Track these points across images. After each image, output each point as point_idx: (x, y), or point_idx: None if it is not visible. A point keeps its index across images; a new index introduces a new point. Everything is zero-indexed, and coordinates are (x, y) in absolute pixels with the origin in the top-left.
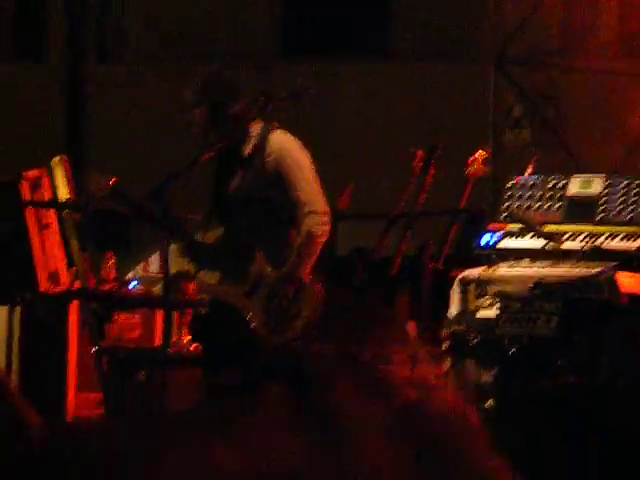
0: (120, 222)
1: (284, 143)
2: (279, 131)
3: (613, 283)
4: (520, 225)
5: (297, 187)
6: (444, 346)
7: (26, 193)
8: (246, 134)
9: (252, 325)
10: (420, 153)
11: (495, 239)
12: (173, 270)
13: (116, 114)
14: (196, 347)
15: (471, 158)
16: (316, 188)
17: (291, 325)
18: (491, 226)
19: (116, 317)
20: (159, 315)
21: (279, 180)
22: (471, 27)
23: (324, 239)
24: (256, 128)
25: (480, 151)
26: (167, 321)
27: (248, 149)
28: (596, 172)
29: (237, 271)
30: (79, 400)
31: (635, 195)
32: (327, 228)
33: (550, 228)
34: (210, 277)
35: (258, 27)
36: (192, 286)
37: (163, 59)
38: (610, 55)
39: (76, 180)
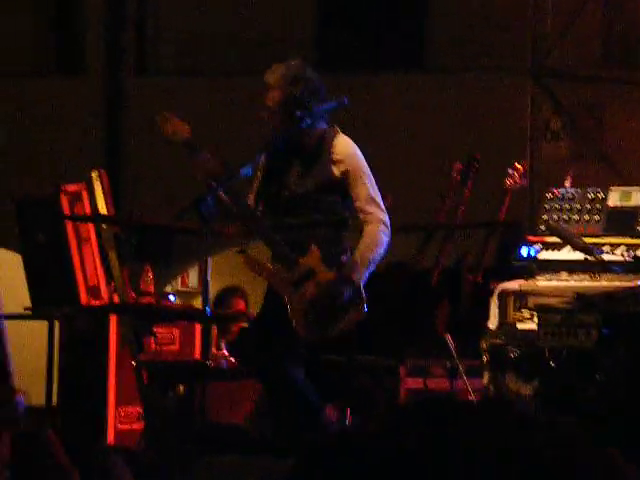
0: (160, 235)
1: (352, 148)
2: (343, 135)
3: None
4: (559, 237)
5: (363, 195)
6: (484, 359)
7: (65, 207)
8: (311, 132)
9: (291, 318)
10: (458, 165)
11: (534, 251)
12: (217, 284)
13: (154, 127)
14: (235, 361)
15: (510, 170)
16: (379, 199)
17: (331, 327)
18: (530, 238)
19: (155, 330)
20: (198, 329)
21: (343, 184)
22: (509, 38)
23: (384, 250)
24: (320, 128)
25: (517, 164)
26: (205, 334)
27: (310, 148)
28: (636, 184)
29: (289, 257)
30: (119, 414)
31: None
32: (388, 240)
33: (589, 240)
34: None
35: (296, 40)
36: (240, 301)
37: (201, 72)
38: None
39: (114, 194)
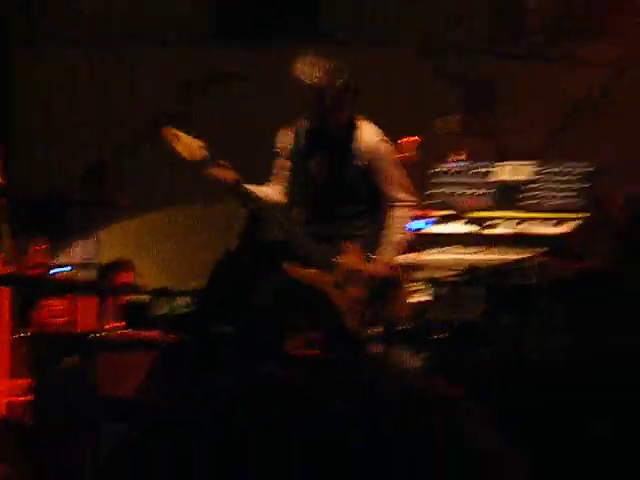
0: (54, 207)
1: (378, 135)
2: (367, 122)
3: (541, 268)
4: (447, 211)
5: (392, 180)
6: (374, 330)
7: None
8: (339, 120)
9: (342, 316)
10: None
11: (423, 225)
12: (107, 257)
13: (46, 98)
14: (124, 332)
15: (401, 144)
16: (406, 183)
17: (381, 321)
18: (419, 212)
19: (45, 302)
20: (88, 301)
21: (370, 171)
22: (405, 13)
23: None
24: (344, 115)
25: (409, 138)
26: (97, 306)
27: (339, 137)
28: (526, 159)
29: (328, 260)
30: (10, 386)
31: (562, 182)
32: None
33: (477, 214)
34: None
35: (191, 9)
36: (125, 275)
37: (94, 41)
38: (541, 40)
39: (6, 164)
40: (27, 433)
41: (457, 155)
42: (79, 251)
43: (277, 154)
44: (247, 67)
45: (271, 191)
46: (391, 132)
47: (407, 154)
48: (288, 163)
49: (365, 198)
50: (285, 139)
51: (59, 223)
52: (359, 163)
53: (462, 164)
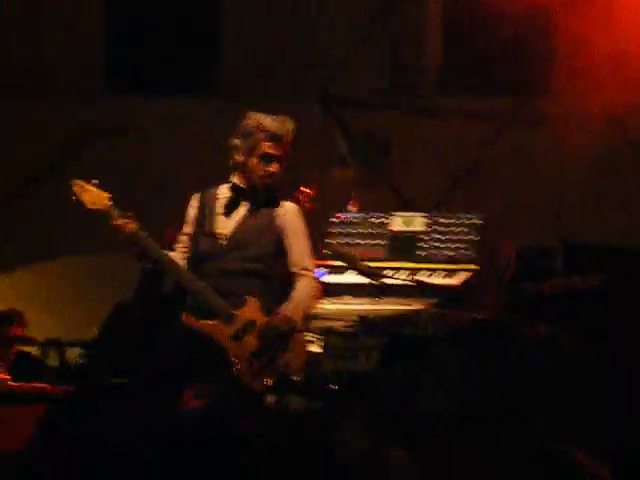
0: None
1: (295, 205)
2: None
3: (435, 319)
4: (343, 261)
5: (301, 250)
6: (268, 381)
7: None
8: (276, 177)
9: (236, 368)
10: None
11: (319, 275)
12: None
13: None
14: (18, 385)
15: (298, 195)
16: (311, 258)
17: (275, 372)
18: (315, 262)
19: None
20: None
21: (285, 234)
22: (299, 66)
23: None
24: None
25: (305, 188)
26: None
27: (261, 197)
28: (420, 208)
29: (226, 312)
30: None
31: (455, 233)
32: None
33: (372, 264)
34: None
35: (83, 60)
36: (17, 329)
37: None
38: (435, 93)
39: None
40: None
41: (353, 205)
42: None
43: (185, 222)
44: (138, 119)
45: (172, 254)
46: (288, 183)
47: (307, 205)
48: (192, 228)
49: (271, 257)
50: (193, 203)
51: None
52: (276, 224)
53: (358, 214)
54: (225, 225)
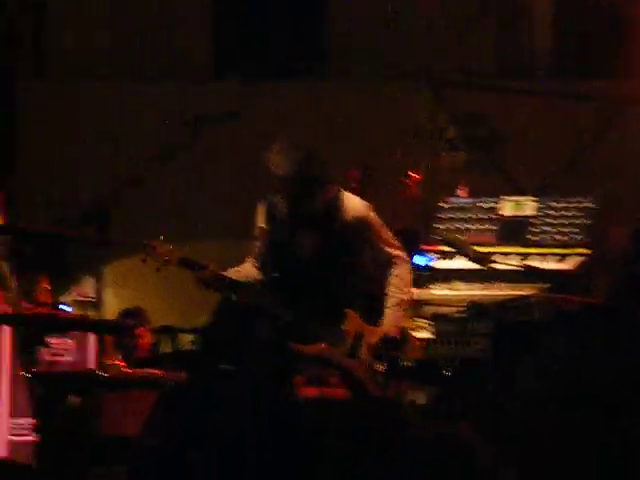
0: (55, 245)
1: (359, 204)
2: (347, 193)
3: (544, 305)
4: (452, 246)
5: (384, 242)
6: (380, 367)
7: None
8: (321, 199)
9: (361, 383)
10: (354, 172)
11: (429, 260)
12: (113, 293)
13: (49, 130)
14: (132, 371)
15: (405, 180)
16: (395, 239)
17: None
18: (425, 247)
19: (49, 341)
20: (93, 339)
21: (360, 240)
22: (406, 49)
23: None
24: (316, 200)
25: (413, 173)
26: (100, 345)
27: (322, 213)
28: (531, 192)
29: (332, 333)
30: (13, 425)
31: (566, 217)
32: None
33: (482, 249)
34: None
35: (192, 45)
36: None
37: (98, 76)
38: (545, 76)
39: (6, 201)
40: (30, 474)
41: (462, 190)
42: (80, 289)
43: (256, 234)
44: (246, 105)
45: (248, 268)
46: (393, 168)
47: (413, 191)
48: (265, 243)
49: (353, 266)
50: (260, 218)
51: (60, 261)
52: (346, 235)
53: (467, 199)
54: (301, 248)
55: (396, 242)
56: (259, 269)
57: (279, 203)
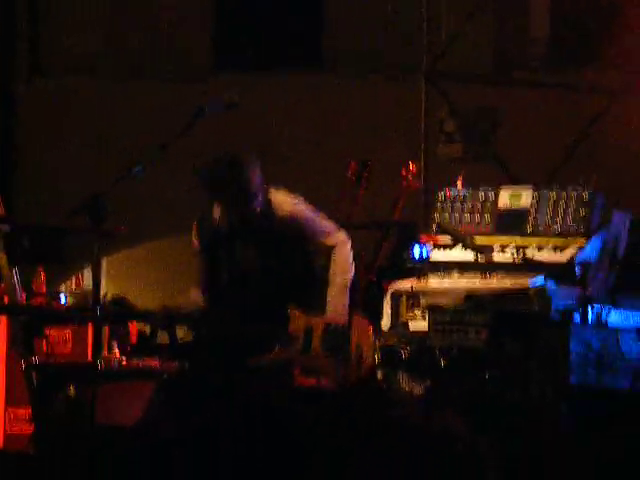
0: (52, 236)
1: (285, 200)
2: (274, 191)
3: (543, 295)
4: (450, 237)
5: (318, 234)
6: (377, 358)
7: None
8: (255, 201)
9: (323, 379)
10: (353, 165)
11: (426, 251)
12: (111, 284)
13: (48, 127)
14: (127, 362)
15: (403, 171)
16: (327, 222)
17: (358, 360)
18: (422, 238)
19: (47, 332)
20: (90, 330)
21: (293, 234)
22: (403, 42)
23: (352, 263)
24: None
25: (411, 164)
26: (96, 335)
27: (257, 216)
28: (529, 183)
29: (282, 334)
30: (9, 416)
31: (563, 207)
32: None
33: (480, 240)
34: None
35: (193, 42)
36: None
37: (98, 74)
38: (540, 68)
39: (3, 194)
40: (28, 464)
41: (460, 181)
42: (84, 280)
43: (193, 253)
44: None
45: (195, 294)
46: (391, 160)
47: (411, 182)
48: (202, 257)
49: (293, 262)
50: (195, 233)
51: (57, 252)
52: (281, 232)
53: (465, 190)
54: (239, 255)
55: (330, 226)
56: (203, 292)
57: (215, 215)
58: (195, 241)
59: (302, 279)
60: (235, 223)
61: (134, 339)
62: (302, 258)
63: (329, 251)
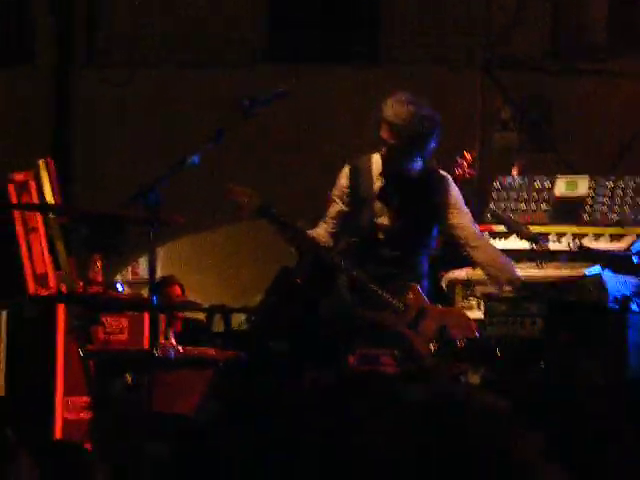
0: (110, 225)
1: (446, 175)
2: (449, 177)
3: (599, 285)
4: (505, 226)
5: (469, 222)
6: (433, 347)
7: (13, 196)
8: (418, 165)
9: (419, 356)
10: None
11: None
12: (168, 273)
13: (104, 117)
14: (181, 349)
15: (458, 159)
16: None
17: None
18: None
19: (103, 320)
20: (147, 318)
21: (444, 211)
22: (459, 31)
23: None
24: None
25: (466, 153)
26: (153, 324)
27: (414, 179)
28: (586, 171)
29: (396, 302)
30: (67, 403)
31: (620, 196)
32: None
33: (536, 229)
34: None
35: (245, 29)
36: (177, 288)
37: (153, 62)
38: (598, 56)
39: (61, 183)
40: (85, 453)
41: (516, 170)
42: (141, 269)
43: (333, 199)
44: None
45: (321, 233)
46: (446, 149)
47: (467, 171)
48: (344, 206)
49: (431, 239)
50: (344, 182)
51: (115, 241)
52: (433, 205)
53: (521, 179)
54: (383, 212)
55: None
56: (332, 235)
57: (372, 160)
58: (343, 183)
59: (424, 259)
60: (390, 174)
61: (179, 326)
62: (430, 241)
63: (464, 248)
